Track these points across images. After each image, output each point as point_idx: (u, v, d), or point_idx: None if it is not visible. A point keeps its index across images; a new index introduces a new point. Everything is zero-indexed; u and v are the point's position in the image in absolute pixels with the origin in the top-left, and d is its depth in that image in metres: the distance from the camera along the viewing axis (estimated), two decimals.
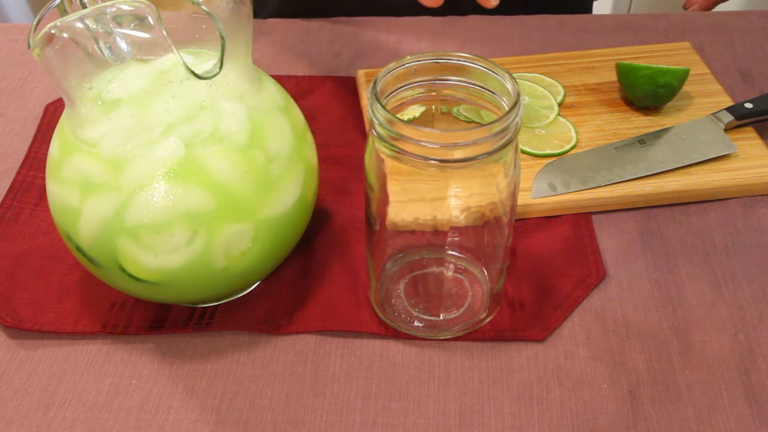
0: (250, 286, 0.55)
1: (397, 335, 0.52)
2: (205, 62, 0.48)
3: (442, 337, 0.52)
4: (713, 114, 0.66)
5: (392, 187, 0.47)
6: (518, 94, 0.43)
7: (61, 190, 0.47)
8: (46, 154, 0.66)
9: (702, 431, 0.47)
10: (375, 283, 0.53)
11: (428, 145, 0.42)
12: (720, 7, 0.93)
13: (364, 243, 0.58)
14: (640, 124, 0.67)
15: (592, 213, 0.61)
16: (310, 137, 0.53)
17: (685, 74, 0.66)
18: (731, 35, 0.80)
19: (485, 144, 0.42)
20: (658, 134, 0.65)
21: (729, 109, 0.66)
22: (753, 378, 0.50)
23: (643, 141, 0.64)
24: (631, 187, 0.61)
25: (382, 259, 0.54)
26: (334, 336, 0.53)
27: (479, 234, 0.52)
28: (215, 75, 0.44)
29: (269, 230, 0.49)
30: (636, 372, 0.50)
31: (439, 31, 0.82)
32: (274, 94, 0.51)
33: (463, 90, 0.47)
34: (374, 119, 0.43)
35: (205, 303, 0.54)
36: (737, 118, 0.65)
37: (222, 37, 0.43)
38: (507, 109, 0.44)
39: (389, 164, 0.45)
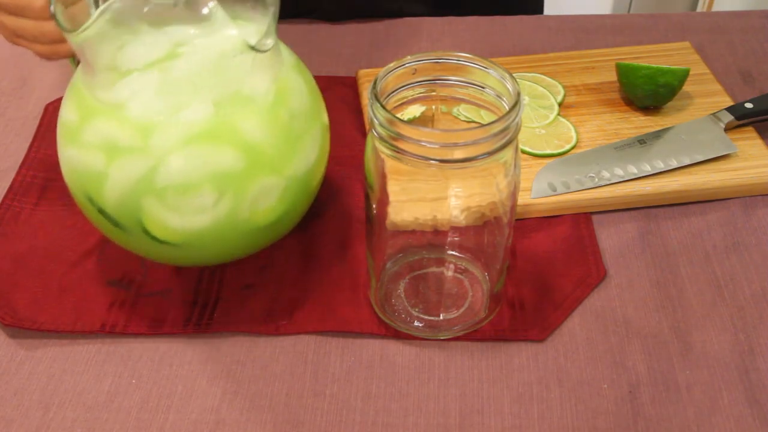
0: (265, 246, 0.54)
1: (397, 335, 0.52)
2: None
3: (442, 337, 0.52)
4: (713, 114, 0.66)
5: (392, 187, 0.47)
6: (518, 94, 0.43)
7: (82, 153, 0.47)
8: (46, 154, 0.67)
9: (702, 431, 0.47)
10: (375, 283, 0.53)
11: (428, 145, 0.42)
12: (720, 7, 0.92)
13: (364, 243, 0.58)
14: (640, 124, 0.67)
15: (592, 213, 0.61)
16: (321, 97, 0.54)
17: (685, 74, 0.66)
18: (731, 35, 0.80)
19: (485, 144, 0.42)
20: (658, 134, 0.65)
21: (729, 109, 0.66)
22: (753, 378, 0.50)
23: (643, 141, 0.64)
24: (631, 187, 0.61)
25: (382, 259, 0.54)
26: (334, 336, 0.53)
27: (479, 234, 0.52)
28: (270, 48, 0.44)
29: (294, 187, 0.49)
30: (636, 372, 0.50)
31: (439, 31, 0.82)
32: (287, 53, 0.52)
33: (463, 90, 0.47)
34: (374, 119, 0.43)
35: (220, 262, 0.54)
36: (737, 118, 0.65)
37: (273, 5, 0.43)
38: (507, 109, 0.44)
39: (389, 164, 0.45)
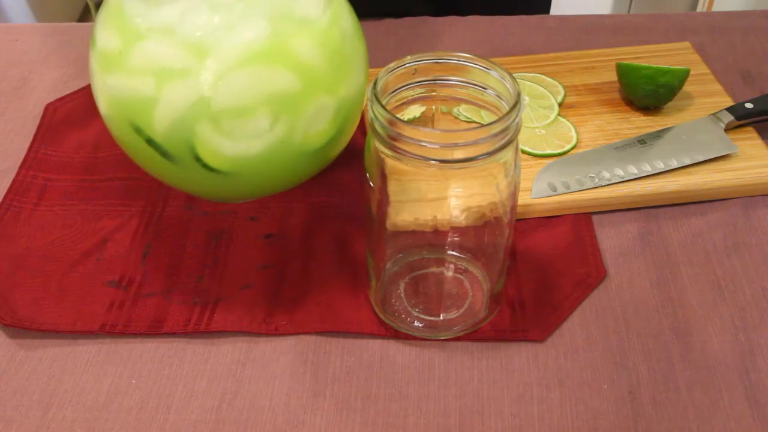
0: (311, 174, 0.54)
1: (397, 335, 0.52)
2: None
3: (442, 338, 0.52)
4: (713, 114, 0.66)
5: (392, 187, 0.47)
6: (518, 94, 0.43)
7: (129, 81, 0.45)
8: (46, 154, 0.67)
9: (702, 431, 0.47)
10: (375, 283, 0.53)
11: (428, 146, 0.42)
12: (720, 7, 0.92)
13: (364, 243, 0.58)
14: (641, 124, 0.67)
15: (592, 213, 0.61)
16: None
17: (685, 74, 0.66)
18: (731, 35, 0.80)
19: (485, 144, 0.42)
20: (659, 134, 0.65)
21: (729, 109, 0.66)
22: (753, 378, 0.50)
23: (643, 141, 0.64)
24: (631, 187, 0.61)
25: (382, 259, 0.54)
26: (334, 336, 0.53)
27: (479, 234, 0.52)
28: None
29: (345, 108, 0.50)
30: (636, 372, 0.50)
31: (439, 31, 0.82)
32: None
33: (464, 90, 0.47)
34: (374, 119, 0.43)
35: (266, 194, 0.54)
36: (737, 118, 0.65)
37: None
38: (507, 109, 0.44)
39: (389, 164, 0.45)
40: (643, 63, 0.67)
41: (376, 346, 0.52)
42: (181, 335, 0.53)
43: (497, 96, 0.46)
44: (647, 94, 0.66)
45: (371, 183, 0.47)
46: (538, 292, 0.55)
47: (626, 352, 0.51)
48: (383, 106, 0.43)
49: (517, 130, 0.43)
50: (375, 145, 0.45)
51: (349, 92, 0.50)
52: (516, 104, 0.42)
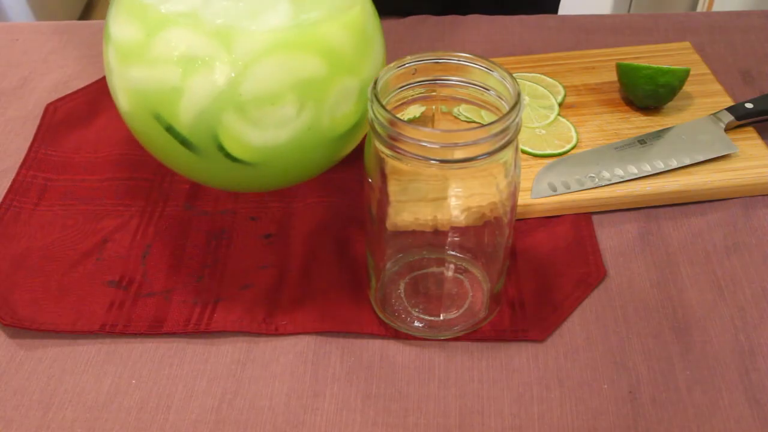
0: (334, 163, 0.54)
1: (397, 335, 0.52)
2: None
3: (442, 338, 0.52)
4: (713, 114, 0.66)
5: (392, 187, 0.47)
6: (519, 94, 0.43)
7: (154, 70, 0.44)
8: (46, 154, 0.67)
9: (702, 431, 0.47)
10: (375, 283, 0.53)
11: (428, 145, 0.42)
12: (720, 7, 0.92)
13: (364, 243, 0.58)
14: (641, 124, 0.67)
15: (592, 213, 0.61)
16: None
17: (685, 74, 0.66)
18: (731, 35, 0.80)
19: (486, 144, 0.42)
20: (659, 134, 0.65)
21: (729, 109, 0.66)
22: (753, 378, 0.50)
23: (643, 141, 0.64)
24: (631, 187, 0.61)
25: (382, 259, 0.54)
26: (334, 336, 0.53)
27: (479, 234, 0.52)
28: None
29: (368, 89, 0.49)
30: (636, 372, 0.50)
31: (439, 31, 0.82)
32: None
33: (464, 90, 0.47)
34: (374, 119, 0.43)
35: (287, 184, 0.53)
36: (737, 118, 0.65)
37: None
38: (507, 109, 0.44)
39: (389, 164, 0.45)
40: (643, 63, 0.67)
41: (376, 346, 0.52)
42: (181, 335, 0.53)
43: (497, 96, 0.46)
44: (647, 94, 0.66)
45: (371, 183, 0.47)
46: (538, 292, 0.55)
47: (626, 352, 0.51)
48: (383, 106, 0.43)
49: (518, 131, 0.43)
50: (375, 144, 0.45)
51: (371, 72, 0.49)
52: (516, 104, 0.42)
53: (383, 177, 0.46)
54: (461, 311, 0.53)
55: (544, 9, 0.95)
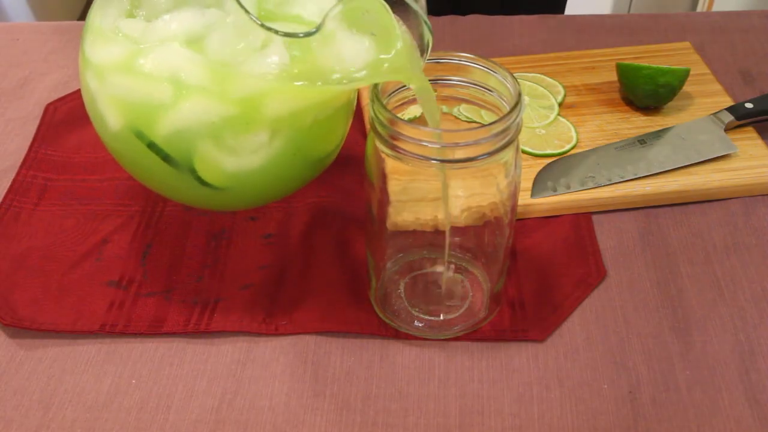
0: (308, 181, 0.54)
1: (397, 335, 0.52)
2: None
3: (442, 338, 0.52)
4: (713, 114, 0.66)
5: (393, 187, 0.47)
6: (519, 94, 0.43)
7: (144, 84, 0.45)
8: (46, 154, 0.67)
9: (702, 431, 0.47)
10: (375, 283, 0.53)
11: (429, 145, 0.42)
12: (720, 7, 0.93)
13: (364, 243, 0.58)
14: (641, 124, 0.67)
15: (592, 213, 0.61)
16: None
17: (685, 74, 0.66)
18: (731, 35, 0.80)
19: (486, 144, 0.42)
20: (659, 134, 0.65)
21: (729, 109, 0.66)
22: (753, 378, 0.50)
23: (643, 141, 0.64)
24: (631, 187, 0.61)
25: (383, 258, 0.54)
26: (334, 336, 0.53)
27: (480, 234, 0.52)
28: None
29: (342, 113, 0.49)
30: (636, 372, 0.50)
31: (439, 31, 0.82)
32: None
33: (464, 90, 0.47)
34: (375, 119, 0.43)
35: (263, 204, 0.54)
36: (737, 118, 0.65)
37: None
38: (508, 109, 0.44)
39: (390, 164, 0.45)
40: (643, 63, 0.67)
41: (376, 345, 0.52)
42: (181, 335, 0.53)
43: (499, 96, 0.46)
44: (647, 94, 0.66)
45: (372, 183, 0.47)
46: (538, 292, 0.55)
47: (626, 352, 0.51)
48: (384, 106, 0.43)
49: (518, 130, 0.43)
50: (375, 144, 0.45)
51: (346, 98, 0.50)
52: (517, 104, 0.42)
53: (384, 177, 0.46)
54: (461, 311, 0.53)
55: (551, 9, 0.95)
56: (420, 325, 0.52)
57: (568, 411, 0.48)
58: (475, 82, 0.47)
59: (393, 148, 0.43)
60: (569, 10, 1.08)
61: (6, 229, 0.60)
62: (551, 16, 0.84)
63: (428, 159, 0.42)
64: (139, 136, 0.46)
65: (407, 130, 0.42)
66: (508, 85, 0.45)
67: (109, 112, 0.47)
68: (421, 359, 0.51)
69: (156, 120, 0.45)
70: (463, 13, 0.84)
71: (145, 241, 0.59)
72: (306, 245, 0.58)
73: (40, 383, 0.51)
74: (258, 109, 0.44)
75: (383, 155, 0.45)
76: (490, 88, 0.46)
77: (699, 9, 1.75)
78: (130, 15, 0.47)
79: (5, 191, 0.64)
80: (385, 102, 0.44)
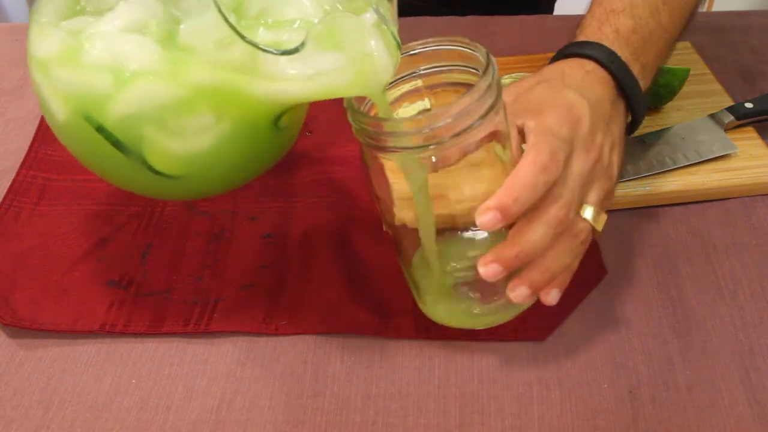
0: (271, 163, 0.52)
1: (398, 335, 0.52)
2: None
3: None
4: (713, 114, 0.66)
5: (399, 188, 0.47)
6: (487, 54, 0.43)
7: (86, 73, 0.44)
8: (46, 154, 0.67)
9: (702, 431, 0.47)
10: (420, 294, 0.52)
11: (418, 133, 0.41)
12: (720, 7, 0.93)
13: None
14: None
15: None
16: None
17: (685, 74, 0.66)
18: (731, 35, 0.80)
19: (472, 112, 0.41)
20: (658, 134, 0.65)
21: (729, 109, 0.66)
22: (753, 378, 0.50)
23: (643, 141, 0.64)
24: (631, 187, 0.61)
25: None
26: (334, 336, 0.53)
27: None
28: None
29: None
30: (636, 372, 0.50)
31: (439, 31, 0.82)
32: None
33: (446, 75, 0.47)
34: (359, 131, 0.43)
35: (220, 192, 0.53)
36: (737, 118, 0.65)
37: None
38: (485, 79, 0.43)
39: (389, 165, 0.45)
40: None
41: (376, 345, 0.52)
42: (181, 335, 0.53)
43: (475, 69, 0.45)
44: (647, 94, 0.66)
45: (378, 195, 0.47)
46: None
47: (626, 352, 0.51)
48: (362, 113, 0.42)
49: (499, 93, 0.42)
50: (368, 153, 0.45)
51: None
52: (488, 64, 0.42)
53: (386, 184, 0.46)
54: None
55: (539, 10, 0.95)
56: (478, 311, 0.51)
57: (568, 411, 0.48)
58: (449, 64, 0.46)
59: (384, 150, 0.42)
60: (569, 10, 1.08)
61: (6, 229, 0.60)
62: (551, 17, 0.84)
63: (426, 146, 0.41)
64: (89, 120, 0.45)
65: (393, 128, 0.41)
66: (475, 53, 0.44)
67: (56, 103, 0.47)
68: (421, 359, 0.51)
69: (103, 106, 0.44)
70: (462, 14, 0.84)
71: (145, 240, 0.59)
72: (306, 245, 0.58)
73: (40, 383, 0.51)
74: (205, 93, 0.43)
75: (382, 160, 0.44)
76: (463, 64, 0.46)
77: (699, 9, 1.75)
78: (72, 8, 0.46)
79: (5, 191, 0.64)
80: (365, 109, 0.44)
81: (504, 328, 0.52)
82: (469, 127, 0.41)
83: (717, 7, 1.75)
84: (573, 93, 0.48)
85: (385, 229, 0.50)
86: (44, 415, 0.49)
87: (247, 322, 0.53)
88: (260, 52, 0.40)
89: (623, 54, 0.51)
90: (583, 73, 0.51)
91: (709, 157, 0.62)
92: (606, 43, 0.52)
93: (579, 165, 0.46)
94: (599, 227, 0.47)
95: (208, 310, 0.54)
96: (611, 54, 0.51)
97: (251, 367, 0.51)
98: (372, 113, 0.46)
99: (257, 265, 0.57)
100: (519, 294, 0.46)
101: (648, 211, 0.61)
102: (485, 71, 0.42)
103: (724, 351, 0.51)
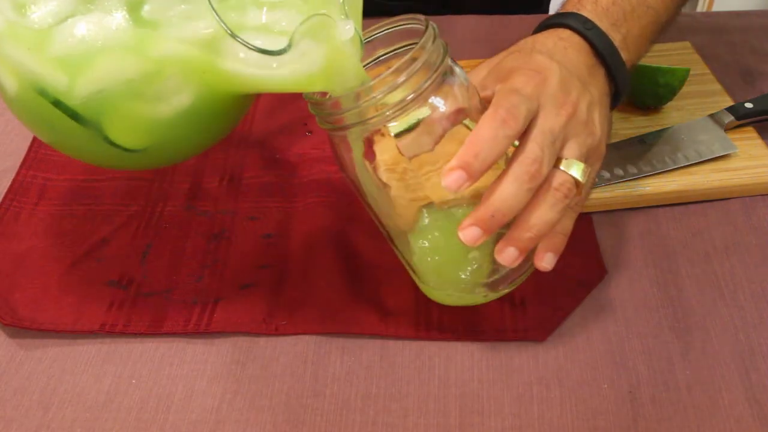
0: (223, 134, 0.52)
1: (397, 335, 0.52)
2: None
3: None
4: (713, 114, 0.66)
5: (395, 185, 0.47)
6: (425, 20, 0.44)
7: (38, 56, 0.43)
8: (46, 154, 0.67)
9: (702, 431, 0.47)
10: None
11: (373, 99, 0.42)
12: (720, 7, 0.93)
13: (372, 246, 0.57)
14: (640, 124, 0.67)
15: (592, 213, 0.61)
16: None
17: (685, 74, 0.66)
18: (731, 35, 0.80)
19: (420, 73, 0.42)
20: (658, 134, 0.65)
21: (729, 109, 0.66)
22: (753, 378, 0.50)
23: (643, 141, 0.64)
24: (631, 187, 0.61)
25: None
26: (334, 336, 0.53)
27: None
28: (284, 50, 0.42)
29: None
30: (636, 372, 0.50)
31: (439, 31, 0.82)
32: None
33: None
34: (320, 116, 0.44)
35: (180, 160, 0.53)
36: (737, 118, 0.65)
37: None
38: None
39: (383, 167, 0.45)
40: (642, 63, 0.67)
41: (376, 345, 0.52)
42: (181, 335, 0.53)
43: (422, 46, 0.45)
44: (647, 94, 0.66)
45: (368, 190, 0.47)
46: (538, 292, 0.54)
47: (626, 352, 0.51)
48: (321, 99, 0.43)
49: (445, 52, 0.43)
50: (342, 145, 0.45)
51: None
52: (427, 26, 0.43)
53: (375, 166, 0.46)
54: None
55: (535, 10, 0.95)
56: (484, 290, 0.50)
57: (568, 411, 0.48)
58: (404, 44, 0.47)
59: (345, 128, 0.43)
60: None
61: (6, 229, 0.60)
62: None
63: (384, 116, 0.42)
64: (43, 94, 0.44)
65: (348, 99, 0.42)
66: (416, 25, 0.45)
67: (6, 77, 0.46)
68: (421, 359, 0.51)
69: (61, 83, 0.43)
70: (454, 12, 0.84)
71: (145, 241, 0.59)
72: (306, 245, 0.58)
73: (40, 383, 0.51)
74: (170, 69, 0.43)
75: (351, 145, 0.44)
76: (418, 41, 0.45)
77: (699, 9, 1.75)
78: None
79: (5, 191, 0.64)
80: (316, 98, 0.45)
81: (504, 328, 0.52)
82: (419, 88, 0.42)
83: (717, 7, 1.75)
84: (542, 56, 0.47)
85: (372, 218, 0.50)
86: (44, 415, 0.49)
87: (246, 322, 0.53)
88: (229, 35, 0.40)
89: (602, 24, 0.51)
90: (555, 39, 0.50)
91: (709, 157, 0.62)
92: (584, 13, 0.51)
93: (549, 120, 0.45)
94: (581, 178, 0.45)
95: (208, 310, 0.54)
96: (587, 22, 0.50)
97: (251, 367, 0.51)
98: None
99: (257, 265, 0.57)
100: (507, 256, 0.45)
101: (648, 211, 0.61)
102: (426, 28, 0.43)
103: (724, 351, 0.51)
